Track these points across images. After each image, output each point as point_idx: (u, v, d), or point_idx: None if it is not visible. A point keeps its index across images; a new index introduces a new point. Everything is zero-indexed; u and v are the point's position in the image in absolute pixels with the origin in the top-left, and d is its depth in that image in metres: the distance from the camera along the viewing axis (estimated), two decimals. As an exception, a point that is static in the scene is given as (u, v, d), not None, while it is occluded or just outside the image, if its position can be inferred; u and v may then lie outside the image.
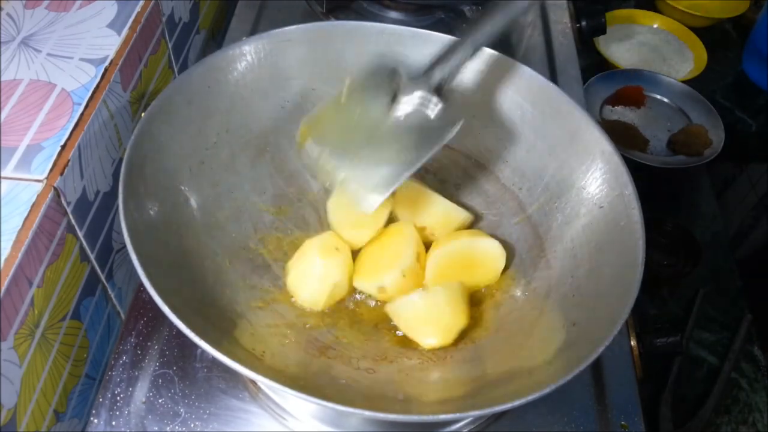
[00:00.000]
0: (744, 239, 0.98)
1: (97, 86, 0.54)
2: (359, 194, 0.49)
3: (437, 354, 0.49)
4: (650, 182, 0.92)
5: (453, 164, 0.60)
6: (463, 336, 0.51)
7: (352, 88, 0.52)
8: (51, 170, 0.47)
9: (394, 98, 0.51)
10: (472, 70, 0.58)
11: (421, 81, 0.50)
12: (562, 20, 0.87)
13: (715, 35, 1.16)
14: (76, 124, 0.51)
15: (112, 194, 0.56)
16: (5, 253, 0.43)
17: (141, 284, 0.48)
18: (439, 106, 0.50)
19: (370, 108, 0.52)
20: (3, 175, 0.47)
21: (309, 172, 0.58)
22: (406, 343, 0.50)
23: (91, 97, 0.53)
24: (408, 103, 0.51)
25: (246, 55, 0.55)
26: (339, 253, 0.52)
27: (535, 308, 0.50)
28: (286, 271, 0.53)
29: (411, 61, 0.52)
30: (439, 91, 0.51)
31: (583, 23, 0.90)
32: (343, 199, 0.55)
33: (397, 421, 0.38)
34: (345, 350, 0.49)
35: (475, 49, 0.51)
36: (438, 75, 0.50)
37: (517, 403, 0.37)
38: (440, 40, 0.57)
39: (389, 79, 0.51)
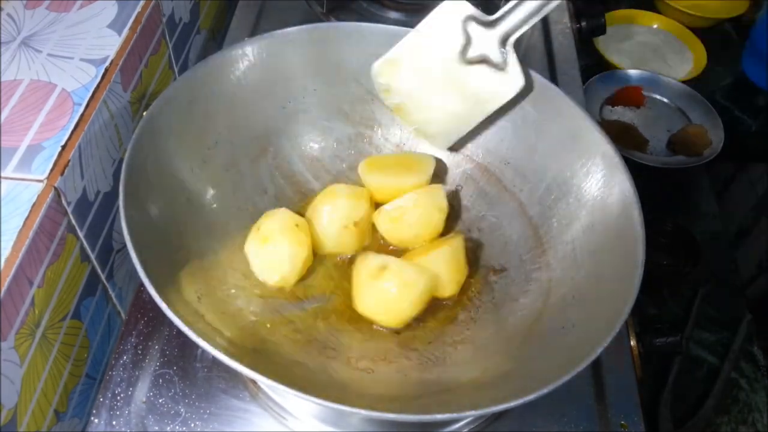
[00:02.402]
0: (744, 239, 0.98)
1: (98, 86, 0.54)
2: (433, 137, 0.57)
3: (436, 354, 0.49)
4: (650, 182, 0.92)
5: (454, 166, 0.60)
6: (463, 337, 0.51)
7: (422, 31, 0.53)
8: (51, 170, 0.47)
9: (466, 45, 0.52)
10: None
11: (492, 30, 0.51)
12: (561, 20, 0.87)
13: (714, 35, 1.16)
14: (77, 125, 0.51)
15: (112, 194, 0.56)
16: (6, 253, 0.43)
17: (141, 284, 0.48)
18: (505, 58, 0.52)
19: (443, 53, 0.53)
20: (3, 175, 0.47)
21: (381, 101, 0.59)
22: (406, 342, 0.50)
23: (92, 98, 0.53)
24: (477, 52, 0.52)
25: (247, 55, 0.55)
26: (300, 230, 0.52)
27: (535, 309, 0.50)
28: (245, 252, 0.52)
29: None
30: (506, 41, 0.51)
31: (583, 23, 0.90)
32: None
33: (397, 420, 0.38)
34: (344, 350, 0.49)
35: (537, 9, 0.50)
36: (508, 24, 0.51)
37: (516, 402, 0.37)
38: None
39: (463, 24, 0.52)
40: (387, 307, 0.50)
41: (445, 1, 0.52)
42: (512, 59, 0.52)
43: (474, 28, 0.52)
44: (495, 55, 0.52)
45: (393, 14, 0.82)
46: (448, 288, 0.52)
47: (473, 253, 0.57)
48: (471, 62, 0.53)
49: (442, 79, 0.53)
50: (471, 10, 0.52)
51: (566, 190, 0.53)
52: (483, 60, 0.52)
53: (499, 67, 0.52)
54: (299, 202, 0.58)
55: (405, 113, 0.56)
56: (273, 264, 0.51)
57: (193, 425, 0.50)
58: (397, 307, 0.50)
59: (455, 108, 0.54)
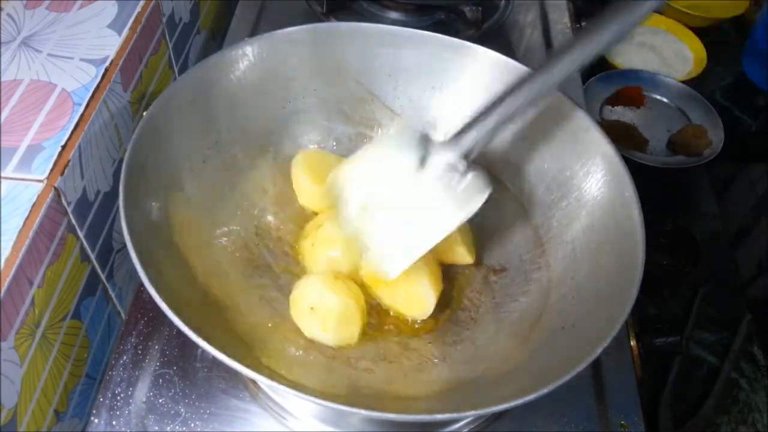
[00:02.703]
0: (744, 239, 0.98)
1: (98, 86, 0.54)
2: (381, 261, 0.48)
3: (437, 354, 0.49)
4: (650, 182, 0.92)
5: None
6: (463, 337, 0.51)
7: (381, 145, 0.50)
8: (51, 170, 0.47)
9: (423, 160, 0.48)
10: (472, 72, 0.58)
11: (451, 146, 0.48)
12: (561, 20, 0.87)
13: (714, 35, 1.16)
14: (77, 125, 0.51)
15: (112, 194, 0.56)
16: (6, 253, 0.43)
17: (141, 284, 0.48)
18: (468, 175, 0.48)
19: (398, 168, 0.49)
20: (3, 175, 0.47)
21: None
22: (406, 342, 0.50)
23: (92, 98, 0.53)
24: (436, 169, 0.48)
25: (247, 55, 0.55)
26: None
27: (535, 309, 0.50)
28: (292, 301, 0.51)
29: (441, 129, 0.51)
30: (469, 157, 0.48)
31: (583, 23, 0.90)
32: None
33: (397, 420, 0.38)
34: (344, 350, 0.49)
35: (510, 116, 0.47)
36: (468, 141, 0.48)
37: (516, 403, 0.37)
38: (440, 41, 0.57)
39: (419, 142, 0.49)
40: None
41: (401, 119, 0.51)
42: (471, 179, 0.48)
43: (431, 146, 0.49)
44: (452, 175, 0.48)
45: (393, 14, 0.82)
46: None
47: (473, 253, 0.57)
48: (427, 179, 0.48)
49: (398, 195, 0.49)
50: (425, 131, 0.49)
51: (566, 190, 0.53)
52: (440, 178, 0.48)
53: (455, 187, 0.48)
54: (299, 202, 0.58)
55: (348, 227, 0.50)
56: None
57: (193, 425, 0.50)
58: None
59: (411, 227, 0.49)
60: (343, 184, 0.50)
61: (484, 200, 0.48)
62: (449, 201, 0.48)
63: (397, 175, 0.49)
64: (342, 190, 0.50)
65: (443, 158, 0.48)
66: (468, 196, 0.48)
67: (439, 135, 0.49)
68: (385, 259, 0.48)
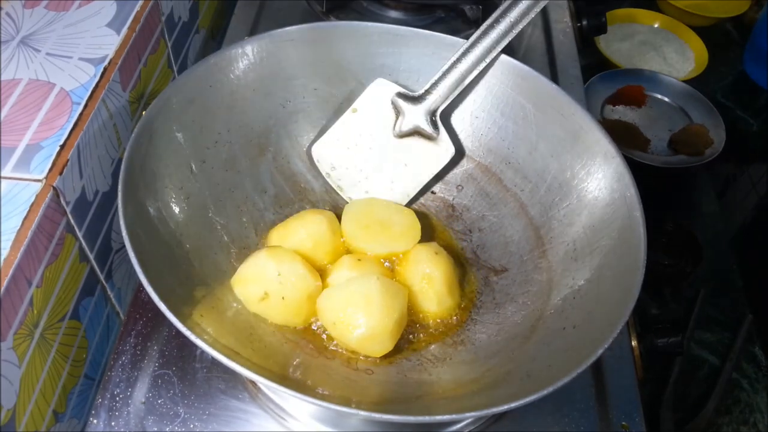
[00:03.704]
0: (745, 239, 0.98)
1: (97, 86, 0.53)
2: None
3: (437, 355, 0.49)
4: (651, 182, 0.92)
5: (455, 165, 0.60)
6: (463, 337, 0.51)
7: (358, 110, 0.57)
8: (50, 170, 0.47)
9: (398, 118, 0.56)
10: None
11: (418, 104, 0.55)
12: (562, 19, 0.86)
13: (716, 35, 1.16)
14: (76, 124, 0.51)
15: (111, 194, 0.56)
16: (4, 253, 0.43)
17: (140, 284, 0.48)
18: (434, 132, 0.56)
19: (377, 128, 0.57)
20: (2, 174, 0.47)
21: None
22: (406, 343, 0.50)
23: (91, 97, 0.53)
24: (408, 125, 0.56)
25: (246, 54, 0.55)
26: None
27: (536, 310, 0.50)
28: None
29: (411, 80, 0.58)
30: (435, 114, 0.56)
31: (584, 22, 0.90)
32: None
33: (397, 421, 0.37)
34: (344, 351, 0.49)
35: (471, 67, 0.55)
36: (433, 98, 0.55)
37: (517, 404, 0.37)
38: (440, 39, 0.57)
39: (393, 100, 0.56)
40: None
41: (374, 82, 0.56)
42: (441, 129, 0.56)
43: (403, 104, 0.56)
44: (425, 127, 0.56)
45: (393, 13, 0.82)
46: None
47: (474, 253, 0.57)
48: (403, 135, 0.57)
49: (379, 153, 0.57)
50: (398, 88, 0.56)
51: (567, 190, 0.53)
52: (415, 132, 0.56)
53: (431, 137, 0.56)
54: (299, 201, 0.58)
55: (347, 190, 0.59)
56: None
57: (192, 426, 0.49)
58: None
59: (394, 179, 0.58)
60: (330, 155, 0.58)
61: (452, 152, 0.57)
62: (425, 152, 0.57)
63: (377, 137, 0.57)
64: (332, 160, 0.58)
65: (415, 116, 0.56)
66: (440, 148, 0.57)
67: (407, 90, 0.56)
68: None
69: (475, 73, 0.55)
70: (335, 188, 0.59)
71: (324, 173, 0.59)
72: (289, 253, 0.50)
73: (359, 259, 0.52)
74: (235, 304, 0.49)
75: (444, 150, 0.57)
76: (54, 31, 0.57)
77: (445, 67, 0.55)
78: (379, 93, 0.56)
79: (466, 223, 0.58)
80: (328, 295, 0.48)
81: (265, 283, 0.48)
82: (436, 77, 0.55)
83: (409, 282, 0.51)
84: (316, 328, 0.50)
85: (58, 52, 0.56)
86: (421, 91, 0.55)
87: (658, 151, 0.96)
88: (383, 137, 0.57)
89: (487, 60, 0.54)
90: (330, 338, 0.49)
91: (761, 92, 1.09)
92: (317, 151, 0.58)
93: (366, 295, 0.47)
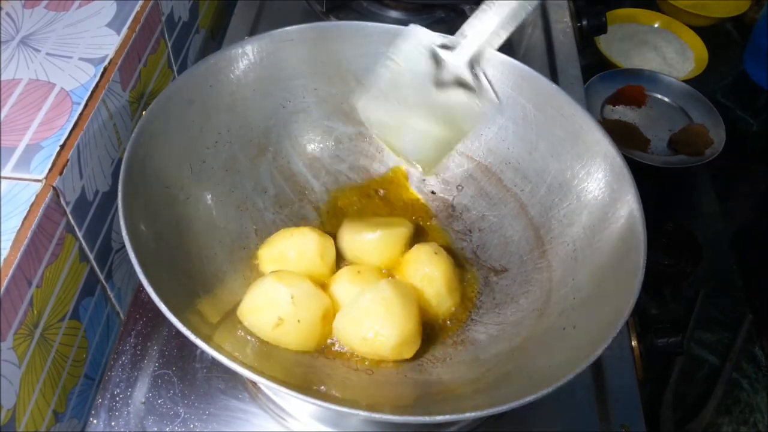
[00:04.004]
0: (745, 239, 0.98)
1: (97, 86, 0.53)
2: (417, 162, 0.52)
3: (436, 355, 0.49)
4: (651, 182, 0.92)
5: (455, 165, 0.60)
6: (463, 337, 0.50)
7: (399, 62, 0.52)
8: (50, 170, 0.47)
9: (438, 68, 0.51)
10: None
11: (458, 56, 0.50)
12: (562, 19, 0.86)
13: (716, 35, 1.16)
14: (76, 124, 0.51)
15: (111, 194, 0.56)
16: (4, 253, 0.43)
17: (140, 284, 0.48)
18: (477, 79, 0.50)
19: (417, 80, 0.51)
20: (2, 174, 0.47)
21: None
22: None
23: (91, 97, 0.53)
24: (449, 75, 0.51)
25: (247, 54, 0.55)
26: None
27: (536, 310, 0.50)
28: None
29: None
30: (476, 61, 0.50)
31: (584, 22, 0.90)
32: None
33: (396, 422, 0.37)
34: (344, 351, 0.49)
35: (503, 23, 0.48)
36: (473, 45, 0.49)
37: (516, 404, 0.37)
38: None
39: (432, 49, 0.51)
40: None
41: (408, 28, 0.52)
42: (483, 80, 0.51)
43: (443, 52, 0.50)
44: (467, 77, 0.50)
45: (393, 13, 0.82)
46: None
47: (473, 254, 0.57)
48: (445, 86, 0.51)
49: (420, 105, 0.52)
50: (435, 35, 0.51)
51: (567, 190, 0.53)
52: (456, 83, 0.51)
53: (473, 88, 0.51)
54: (299, 201, 0.58)
55: (391, 144, 0.54)
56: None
57: (192, 426, 0.49)
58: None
59: (436, 132, 0.53)
60: (373, 108, 0.53)
61: (497, 103, 0.51)
62: (467, 104, 0.51)
63: (417, 89, 0.52)
64: (375, 114, 0.53)
65: (456, 65, 0.50)
66: (483, 99, 0.51)
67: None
68: (420, 160, 0.52)
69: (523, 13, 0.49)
70: (384, 143, 0.56)
71: (369, 127, 0.55)
72: (297, 276, 0.49)
73: (359, 271, 0.51)
74: (236, 305, 0.49)
75: (486, 101, 0.51)
76: (54, 31, 0.57)
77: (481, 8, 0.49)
78: (414, 42, 0.52)
79: (466, 223, 0.58)
80: (346, 315, 0.48)
81: (278, 308, 0.46)
82: (472, 21, 0.49)
83: (409, 283, 0.51)
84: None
85: (58, 52, 0.56)
86: (459, 39, 0.50)
87: (658, 151, 0.96)
88: (422, 89, 0.52)
89: None
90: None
91: (761, 92, 1.09)
92: (362, 105, 0.53)
93: (384, 304, 0.47)
